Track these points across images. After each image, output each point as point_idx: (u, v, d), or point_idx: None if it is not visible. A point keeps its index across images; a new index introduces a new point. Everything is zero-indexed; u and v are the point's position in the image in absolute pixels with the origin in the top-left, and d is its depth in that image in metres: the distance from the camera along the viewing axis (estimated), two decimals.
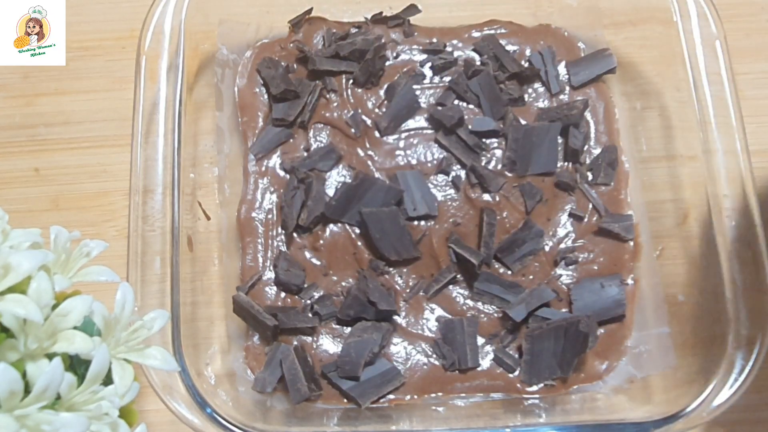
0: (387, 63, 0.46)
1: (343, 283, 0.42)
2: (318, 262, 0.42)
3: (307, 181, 0.43)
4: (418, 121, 0.45)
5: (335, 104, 0.45)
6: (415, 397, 0.40)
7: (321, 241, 0.42)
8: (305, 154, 0.44)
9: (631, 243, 0.43)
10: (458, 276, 0.42)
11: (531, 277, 0.42)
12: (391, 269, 0.42)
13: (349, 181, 0.43)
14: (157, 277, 0.36)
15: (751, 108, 0.40)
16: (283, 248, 0.42)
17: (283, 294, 0.41)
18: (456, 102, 0.45)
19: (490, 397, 0.40)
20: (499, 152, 0.44)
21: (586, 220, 0.43)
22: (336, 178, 0.44)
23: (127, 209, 0.37)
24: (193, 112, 0.41)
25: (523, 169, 0.43)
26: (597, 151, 0.44)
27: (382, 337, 0.40)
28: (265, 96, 0.45)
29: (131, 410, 0.27)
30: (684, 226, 0.41)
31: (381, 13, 0.47)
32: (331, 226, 0.42)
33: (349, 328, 0.41)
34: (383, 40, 0.45)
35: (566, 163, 0.44)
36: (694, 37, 0.41)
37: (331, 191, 0.43)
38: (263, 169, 0.44)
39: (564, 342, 0.39)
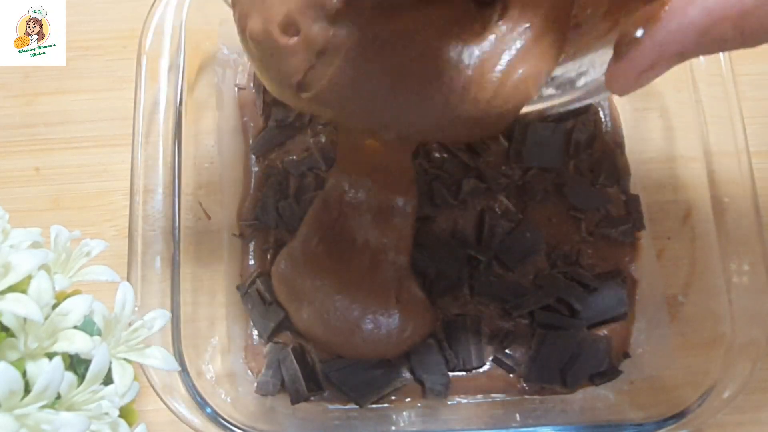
0: None
1: None
2: None
3: (306, 180, 0.43)
4: None
5: None
6: (416, 397, 0.40)
7: None
8: (305, 153, 0.44)
9: (632, 244, 0.43)
10: (460, 276, 0.42)
11: (531, 277, 0.42)
12: None
13: None
14: (158, 276, 0.36)
15: (752, 109, 0.40)
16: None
17: None
18: None
19: (490, 397, 0.40)
20: (499, 152, 0.44)
21: (586, 221, 0.43)
22: None
23: (128, 209, 0.37)
24: (193, 112, 0.41)
25: (526, 163, 0.43)
26: (599, 152, 0.44)
27: None
28: (265, 96, 0.45)
29: (131, 410, 0.27)
30: (685, 227, 0.41)
31: None
32: None
33: None
34: None
35: (570, 161, 0.44)
36: None
37: None
38: (264, 168, 0.44)
39: (574, 354, 0.39)
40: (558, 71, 0.29)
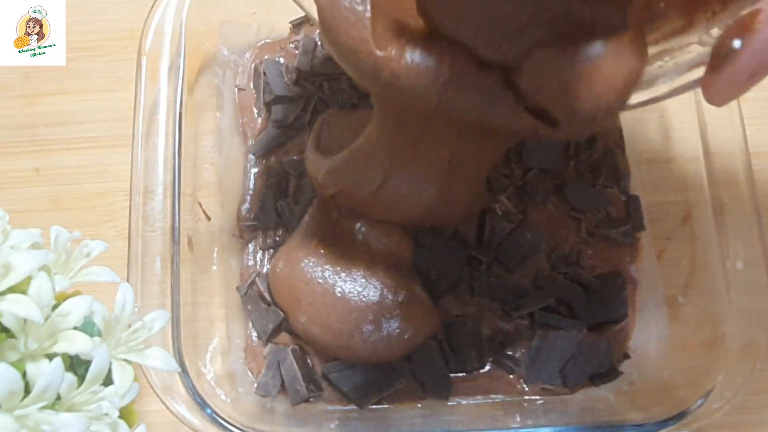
0: None
1: None
2: None
3: (306, 180, 0.43)
4: None
5: (335, 104, 0.45)
6: (416, 398, 0.40)
7: None
8: (305, 154, 0.44)
9: (632, 244, 0.43)
10: (460, 277, 0.42)
11: (532, 278, 0.42)
12: None
13: None
14: (158, 277, 0.36)
15: (752, 110, 0.40)
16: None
17: None
18: None
19: (490, 398, 0.40)
20: None
21: (586, 221, 0.43)
22: None
23: (128, 209, 0.37)
24: (193, 113, 0.41)
25: (526, 164, 0.43)
26: (599, 152, 0.44)
27: None
28: (265, 97, 0.45)
29: (131, 411, 0.27)
30: (685, 228, 0.41)
31: None
32: None
33: None
34: None
35: (570, 162, 0.44)
36: None
37: None
38: (263, 169, 0.44)
39: (574, 354, 0.39)
40: None
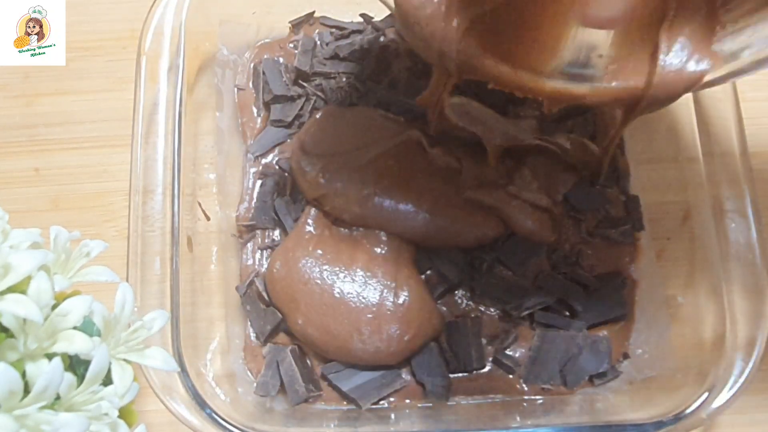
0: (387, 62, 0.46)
1: None
2: None
3: None
4: None
5: (334, 104, 0.45)
6: (416, 398, 0.40)
7: None
8: None
9: (631, 244, 0.43)
10: (461, 278, 0.42)
11: (532, 278, 0.42)
12: None
13: None
14: (157, 277, 0.36)
15: (751, 110, 0.40)
16: None
17: None
18: None
19: (490, 398, 0.40)
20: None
21: (586, 221, 0.43)
22: None
23: (127, 209, 0.37)
24: (193, 113, 0.41)
25: None
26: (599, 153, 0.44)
27: None
28: (264, 96, 0.45)
29: (131, 410, 0.27)
30: (684, 228, 0.41)
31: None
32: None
33: None
34: (382, 40, 0.46)
35: None
36: None
37: None
38: (261, 168, 0.44)
39: (574, 354, 0.39)
40: (717, 47, 0.30)
